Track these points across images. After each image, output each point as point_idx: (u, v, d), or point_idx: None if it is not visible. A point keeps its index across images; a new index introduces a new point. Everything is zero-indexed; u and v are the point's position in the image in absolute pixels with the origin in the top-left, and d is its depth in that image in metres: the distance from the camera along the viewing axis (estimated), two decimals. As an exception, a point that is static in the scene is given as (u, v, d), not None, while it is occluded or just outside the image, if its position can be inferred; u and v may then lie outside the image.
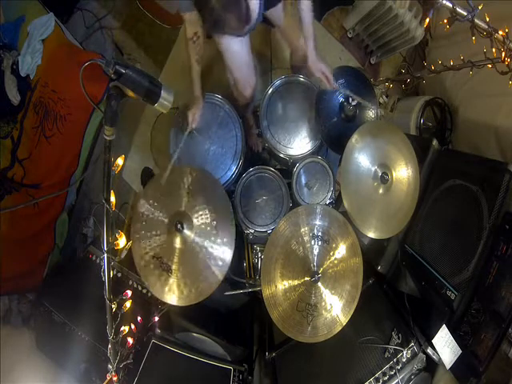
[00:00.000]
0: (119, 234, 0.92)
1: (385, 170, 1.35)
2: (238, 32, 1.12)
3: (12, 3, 1.84)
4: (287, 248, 1.27)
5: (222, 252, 1.22)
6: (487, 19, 1.14)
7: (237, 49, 1.45)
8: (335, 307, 1.25)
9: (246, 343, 1.62)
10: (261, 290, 1.25)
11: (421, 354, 1.25)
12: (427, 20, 1.75)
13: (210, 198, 1.25)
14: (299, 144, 1.63)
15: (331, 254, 1.28)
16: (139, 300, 1.55)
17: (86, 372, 1.52)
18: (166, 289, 1.20)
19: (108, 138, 0.78)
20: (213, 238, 1.23)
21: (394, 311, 1.42)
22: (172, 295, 1.20)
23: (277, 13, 1.44)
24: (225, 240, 1.23)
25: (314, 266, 1.26)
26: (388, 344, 1.31)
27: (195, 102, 1.47)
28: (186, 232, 1.22)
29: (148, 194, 1.24)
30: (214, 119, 1.64)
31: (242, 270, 1.70)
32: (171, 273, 1.19)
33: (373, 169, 1.36)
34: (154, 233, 1.22)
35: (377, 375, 1.27)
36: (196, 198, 1.23)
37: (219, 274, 1.21)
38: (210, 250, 1.22)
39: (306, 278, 1.25)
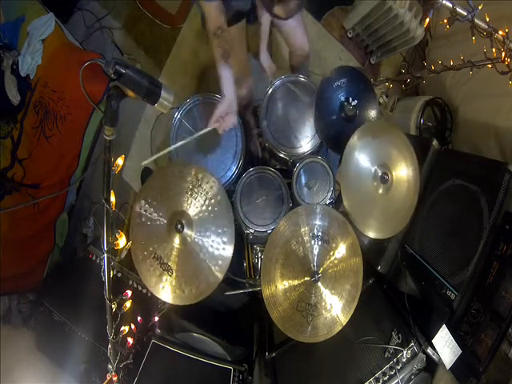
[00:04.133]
0: (119, 233, 0.92)
1: (385, 170, 1.35)
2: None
3: (12, 3, 1.85)
4: (287, 248, 1.27)
5: (222, 251, 1.22)
6: (487, 19, 1.14)
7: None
8: (335, 307, 1.25)
9: (246, 343, 1.62)
10: (261, 290, 1.24)
11: (421, 354, 1.25)
12: (427, 20, 1.75)
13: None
14: (299, 144, 1.63)
15: (331, 253, 1.28)
16: (139, 300, 1.55)
17: (86, 372, 1.52)
18: (167, 288, 1.20)
19: (108, 138, 0.78)
20: (213, 238, 1.23)
21: (394, 311, 1.42)
22: (172, 295, 1.20)
23: None
24: (225, 239, 1.23)
25: (314, 265, 1.26)
26: (388, 344, 1.31)
27: (224, 102, 1.35)
28: (186, 232, 1.22)
29: (147, 193, 1.24)
30: (214, 119, 1.64)
31: (241, 270, 1.70)
32: (171, 273, 1.19)
33: (373, 169, 1.35)
34: (153, 232, 1.22)
35: (377, 375, 1.27)
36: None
37: (219, 273, 1.21)
38: (209, 249, 1.22)
39: (306, 278, 1.25)
